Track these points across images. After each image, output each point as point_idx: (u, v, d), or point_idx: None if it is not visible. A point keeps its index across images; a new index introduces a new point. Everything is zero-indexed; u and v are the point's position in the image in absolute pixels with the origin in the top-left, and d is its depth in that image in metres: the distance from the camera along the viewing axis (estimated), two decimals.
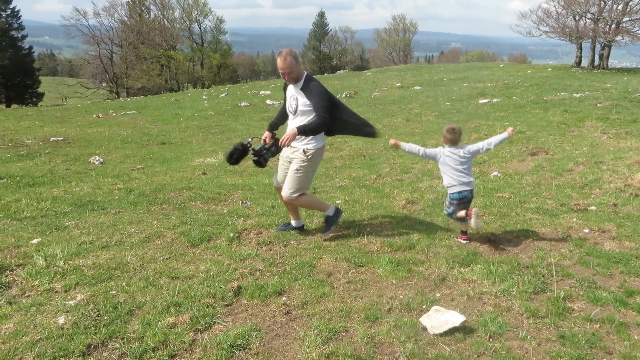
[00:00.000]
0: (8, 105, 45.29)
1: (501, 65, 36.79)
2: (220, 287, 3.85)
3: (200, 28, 60.55)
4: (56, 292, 3.78)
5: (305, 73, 4.74)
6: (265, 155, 4.71)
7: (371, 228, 5.39)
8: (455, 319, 3.32)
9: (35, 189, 7.30)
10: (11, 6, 51.47)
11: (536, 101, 16.99)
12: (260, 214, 5.88)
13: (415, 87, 24.03)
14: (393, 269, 4.23)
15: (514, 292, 3.83)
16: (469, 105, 17.31)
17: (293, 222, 5.28)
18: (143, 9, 56.12)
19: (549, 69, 30.83)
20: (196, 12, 59.50)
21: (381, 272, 4.20)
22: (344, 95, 22.42)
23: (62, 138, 13.49)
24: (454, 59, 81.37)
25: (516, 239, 5.04)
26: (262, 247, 4.84)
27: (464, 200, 4.84)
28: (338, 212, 5.18)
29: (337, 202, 6.44)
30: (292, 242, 4.97)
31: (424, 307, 3.64)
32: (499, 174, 7.91)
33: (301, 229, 5.27)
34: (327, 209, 5.12)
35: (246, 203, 6.38)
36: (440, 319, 3.33)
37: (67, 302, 3.55)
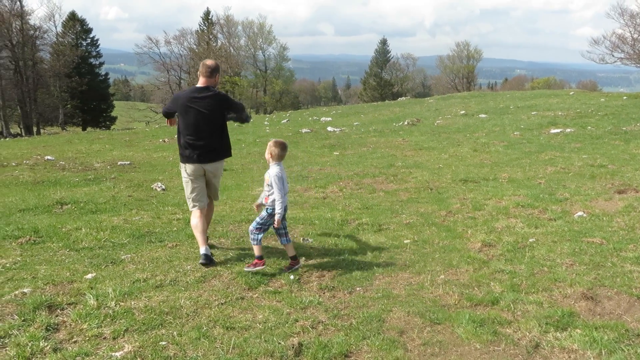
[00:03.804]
0: (84, 128, 47.97)
1: (571, 93, 34.99)
2: (279, 344, 3.44)
3: (264, 55, 62.06)
4: (104, 338, 3.51)
5: None
6: None
7: (445, 275, 4.85)
8: None
9: (97, 217, 7.25)
10: (91, 35, 55.08)
11: (614, 132, 15.80)
12: (323, 253, 5.48)
13: (480, 115, 23.11)
14: (475, 330, 3.68)
15: None
16: (539, 135, 16.32)
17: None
18: (211, 37, 58.19)
19: (624, 97, 28.87)
20: (261, 39, 61.13)
21: (461, 333, 3.66)
22: (405, 123, 21.87)
23: (128, 162, 13.75)
24: (518, 86, 78.86)
25: (617, 297, 4.35)
26: (324, 293, 4.42)
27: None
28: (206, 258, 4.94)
29: (406, 241, 5.94)
30: (358, 288, 4.52)
31: None
32: (584, 215, 7.13)
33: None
34: (201, 246, 5.03)
35: (307, 240, 6.00)
36: None
37: (113, 354, 3.25)
